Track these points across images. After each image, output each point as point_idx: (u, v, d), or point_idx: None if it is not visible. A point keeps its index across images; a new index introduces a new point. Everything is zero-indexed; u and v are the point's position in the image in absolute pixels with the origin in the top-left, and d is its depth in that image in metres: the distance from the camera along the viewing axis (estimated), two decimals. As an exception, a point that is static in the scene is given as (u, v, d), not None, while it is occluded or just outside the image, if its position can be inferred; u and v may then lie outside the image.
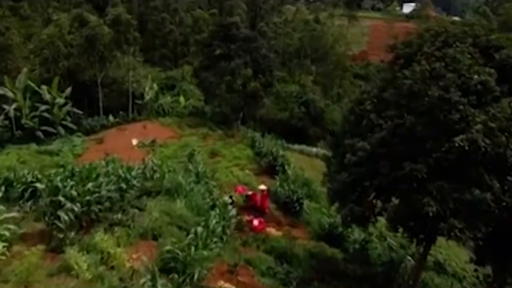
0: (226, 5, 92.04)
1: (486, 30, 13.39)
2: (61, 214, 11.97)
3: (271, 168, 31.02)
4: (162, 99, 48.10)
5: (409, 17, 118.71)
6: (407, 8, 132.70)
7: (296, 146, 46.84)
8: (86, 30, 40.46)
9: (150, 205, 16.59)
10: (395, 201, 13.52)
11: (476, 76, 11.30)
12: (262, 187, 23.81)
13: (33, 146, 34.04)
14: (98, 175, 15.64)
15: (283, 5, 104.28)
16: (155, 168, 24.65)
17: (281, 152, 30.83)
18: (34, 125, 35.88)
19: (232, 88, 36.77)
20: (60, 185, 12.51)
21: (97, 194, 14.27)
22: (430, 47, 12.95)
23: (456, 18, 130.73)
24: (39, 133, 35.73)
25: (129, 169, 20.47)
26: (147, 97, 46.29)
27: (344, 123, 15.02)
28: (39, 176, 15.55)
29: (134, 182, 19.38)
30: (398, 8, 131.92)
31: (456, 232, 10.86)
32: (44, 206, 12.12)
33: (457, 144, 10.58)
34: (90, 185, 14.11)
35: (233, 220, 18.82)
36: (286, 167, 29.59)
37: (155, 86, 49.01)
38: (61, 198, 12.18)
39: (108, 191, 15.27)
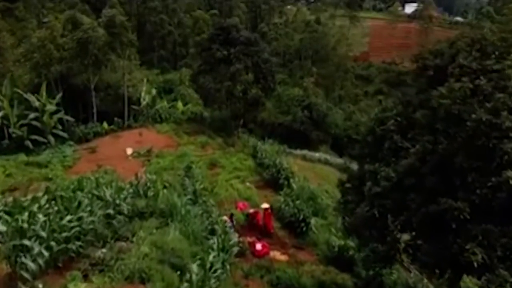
0: (225, 5, 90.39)
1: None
2: (27, 261, 9.97)
3: (274, 180, 29.03)
4: (160, 104, 46.12)
5: (411, 17, 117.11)
6: (409, 8, 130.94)
7: (299, 151, 45.80)
8: (78, 32, 38.47)
9: (140, 236, 14.56)
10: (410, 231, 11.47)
11: (529, 96, 9.36)
12: (265, 205, 21.80)
13: (22, 156, 32.02)
14: (80, 203, 13.67)
15: (283, 6, 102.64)
16: (149, 184, 22.78)
17: (285, 164, 28.74)
18: (22, 134, 33.81)
19: (232, 94, 34.73)
20: (26, 226, 10.48)
21: (76, 229, 12.29)
22: (466, 57, 10.98)
23: (458, 19, 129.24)
24: (28, 143, 33.64)
25: (119, 190, 18.55)
26: (143, 102, 44.32)
27: (363, 145, 13.02)
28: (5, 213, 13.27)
29: (124, 205, 17.44)
30: (400, 9, 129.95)
31: (507, 286, 8.92)
32: (8, 251, 10.11)
33: (511, 181, 8.64)
34: (68, 218, 12.13)
35: (234, 248, 16.84)
36: (291, 180, 27.58)
37: (153, 91, 47.07)
38: (26, 243, 10.16)
39: (91, 222, 13.29)
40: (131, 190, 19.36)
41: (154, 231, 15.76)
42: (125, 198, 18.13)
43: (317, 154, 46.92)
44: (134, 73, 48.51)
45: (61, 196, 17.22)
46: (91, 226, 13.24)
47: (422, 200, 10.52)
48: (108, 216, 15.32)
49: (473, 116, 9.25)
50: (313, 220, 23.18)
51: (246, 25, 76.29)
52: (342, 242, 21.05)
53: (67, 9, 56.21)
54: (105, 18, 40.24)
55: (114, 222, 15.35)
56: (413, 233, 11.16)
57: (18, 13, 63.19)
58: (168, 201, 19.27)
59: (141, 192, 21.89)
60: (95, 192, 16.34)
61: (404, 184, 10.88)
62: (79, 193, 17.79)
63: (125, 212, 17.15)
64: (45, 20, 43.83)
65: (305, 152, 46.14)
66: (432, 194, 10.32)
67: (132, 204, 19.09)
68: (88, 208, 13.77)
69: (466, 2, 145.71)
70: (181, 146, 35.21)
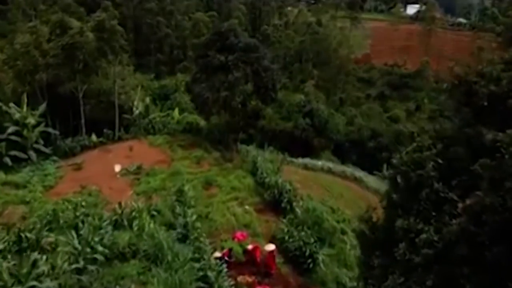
0: (224, 7, 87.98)
1: None
2: None
3: (275, 202, 26.26)
4: (153, 113, 43.28)
5: (413, 18, 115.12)
6: (411, 9, 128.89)
7: (300, 160, 43.56)
8: (64, 38, 35.70)
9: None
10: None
11: None
12: (270, 247, 19.15)
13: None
14: (35, 262, 10.93)
15: (284, 7, 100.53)
16: (134, 213, 20.15)
17: (287, 186, 26.00)
18: (1, 150, 30.99)
19: (230, 105, 31.92)
20: None
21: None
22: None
23: (461, 20, 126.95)
24: (7, 160, 30.76)
25: (95, 229, 15.83)
26: (136, 111, 41.47)
27: (391, 192, 10.30)
28: None
29: (100, 248, 14.73)
30: (402, 10, 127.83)
31: None
32: None
33: None
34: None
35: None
36: (294, 204, 24.85)
37: (147, 99, 44.29)
38: None
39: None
40: (109, 228, 16.65)
41: (133, 286, 13.06)
42: (102, 239, 15.46)
43: (319, 163, 44.71)
44: (127, 80, 45.64)
45: (26, 237, 14.64)
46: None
47: (481, 278, 7.83)
48: (77, 271, 12.61)
49: None
50: (321, 256, 20.46)
51: (246, 27, 73.79)
52: (355, 284, 18.41)
53: (60, 12, 53.36)
54: (94, 22, 37.45)
55: (83, 278, 12.60)
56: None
57: (11, 15, 60.82)
58: (154, 239, 16.58)
59: (125, 222, 19.34)
60: (63, 239, 13.59)
61: (454, 254, 8.20)
62: (45, 233, 15.21)
63: (101, 258, 14.47)
64: (31, 24, 40.73)
65: (307, 160, 43.99)
66: (496, 271, 7.64)
67: (112, 242, 16.48)
68: (46, 269, 11.02)
69: (469, 2, 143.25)
70: (174, 162, 32.38)
